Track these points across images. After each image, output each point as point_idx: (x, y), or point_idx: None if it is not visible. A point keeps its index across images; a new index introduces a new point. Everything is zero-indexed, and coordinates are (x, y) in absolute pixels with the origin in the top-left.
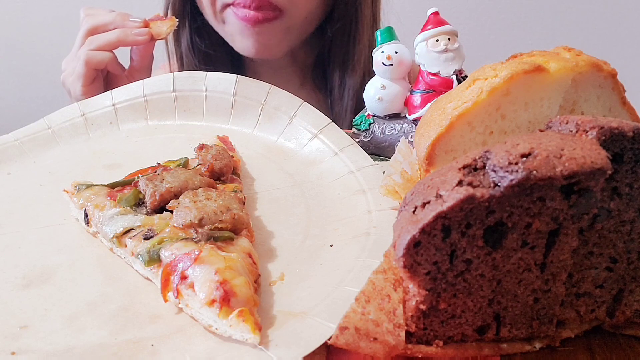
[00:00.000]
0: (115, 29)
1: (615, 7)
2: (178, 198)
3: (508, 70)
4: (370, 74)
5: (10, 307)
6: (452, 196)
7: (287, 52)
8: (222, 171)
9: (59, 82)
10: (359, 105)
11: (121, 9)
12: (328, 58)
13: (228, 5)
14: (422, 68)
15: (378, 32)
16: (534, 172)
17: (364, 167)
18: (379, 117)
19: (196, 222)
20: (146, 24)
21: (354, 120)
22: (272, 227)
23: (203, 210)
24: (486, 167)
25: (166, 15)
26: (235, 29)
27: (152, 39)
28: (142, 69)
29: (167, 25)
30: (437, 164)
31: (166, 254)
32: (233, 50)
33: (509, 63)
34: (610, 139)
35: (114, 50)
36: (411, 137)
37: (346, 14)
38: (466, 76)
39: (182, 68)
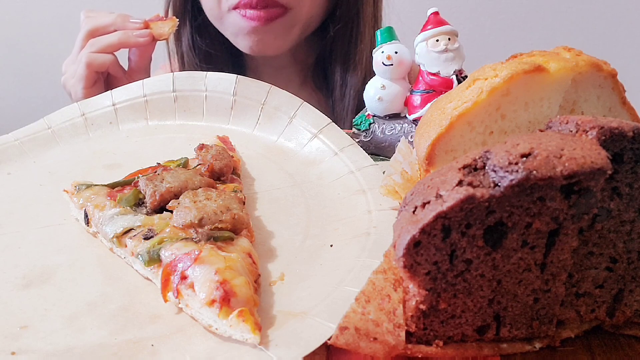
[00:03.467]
0: (115, 30)
1: (615, 7)
2: (178, 198)
3: (508, 70)
4: (372, 73)
5: (10, 307)
6: (452, 196)
7: (288, 49)
8: (222, 171)
9: (59, 83)
10: (360, 105)
11: (121, 9)
12: (329, 58)
13: (234, 8)
14: (422, 68)
15: (378, 32)
16: (534, 172)
17: (364, 167)
18: (379, 117)
19: (196, 222)
20: (146, 25)
21: (354, 120)
22: (272, 227)
23: (203, 210)
24: (486, 167)
25: (166, 15)
26: (240, 30)
27: (154, 40)
28: (141, 70)
29: (169, 26)
30: (437, 164)
31: (166, 254)
32: (234, 49)
33: (509, 63)
34: (610, 139)
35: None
36: (411, 137)
37: (348, 14)
38: (466, 76)
39: (183, 67)
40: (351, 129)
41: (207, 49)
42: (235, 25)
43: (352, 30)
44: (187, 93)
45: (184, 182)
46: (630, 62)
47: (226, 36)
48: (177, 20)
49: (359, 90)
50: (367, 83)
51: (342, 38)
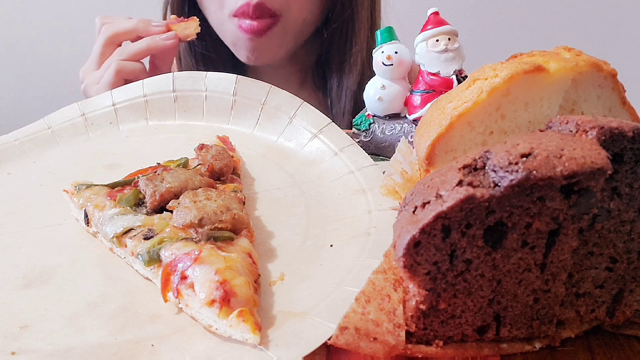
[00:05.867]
0: (137, 35)
1: (615, 7)
2: (178, 198)
3: (508, 70)
4: (369, 75)
5: (10, 307)
6: (452, 196)
7: (285, 56)
8: (222, 171)
9: (59, 83)
10: (357, 106)
11: (120, 9)
12: (326, 59)
13: (233, 15)
14: (422, 68)
15: (378, 32)
16: (534, 172)
17: (364, 167)
18: (379, 117)
19: (196, 222)
20: (168, 28)
21: (354, 120)
22: (272, 227)
23: (203, 210)
24: (486, 167)
25: (165, 17)
26: (237, 39)
27: (179, 42)
28: (164, 72)
29: (194, 26)
30: (437, 164)
31: (166, 254)
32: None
33: (509, 63)
34: (610, 139)
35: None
36: (411, 137)
37: (342, 16)
38: (466, 76)
39: (180, 69)
40: (350, 129)
41: (204, 52)
42: (233, 34)
43: (348, 32)
44: (187, 93)
45: (184, 182)
46: (630, 62)
47: (226, 44)
48: (198, 19)
49: (355, 91)
50: (363, 85)
51: (338, 39)
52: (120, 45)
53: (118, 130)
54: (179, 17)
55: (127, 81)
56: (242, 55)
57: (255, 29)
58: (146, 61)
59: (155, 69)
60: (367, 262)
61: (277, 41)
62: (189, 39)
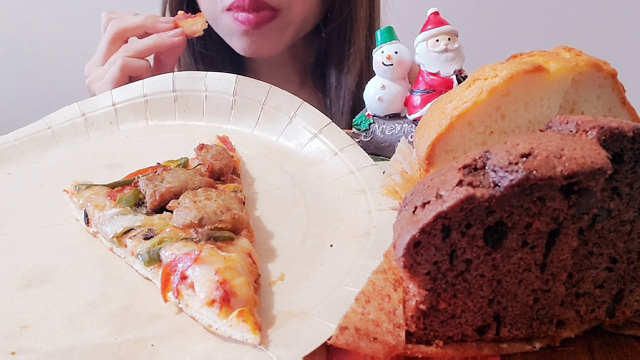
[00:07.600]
0: (145, 32)
1: (615, 7)
2: (178, 198)
3: (508, 70)
4: (368, 75)
5: (10, 307)
6: (452, 196)
7: (283, 50)
8: (222, 171)
9: (59, 82)
10: (355, 106)
11: (120, 8)
12: (325, 59)
13: (227, 9)
14: (422, 68)
15: (378, 32)
16: (534, 172)
17: (364, 167)
18: (379, 117)
19: (196, 222)
20: (176, 25)
21: (354, 120)
22: (272, 227)
23: (203, 210)
24: (486, 167)
25: (164, 14)
26: (233, 31)
27: (186, 38)
28: (168, 69)
29: (201, 23)
30: (437, 164)
31: (166, 254)
32: (232, 49)
33: (509, 63)
34: (610, 139)
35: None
36: (411, 137)
37: (341, 16)
38: (466, 76)
39: (179, 68)
40: (350, 129)
41: (202, 50)
42: (228, 27)
43: (346, 32)
44: (187, 93)
45: (184, 182)
46: (630, 62)
47: (221, 37)
48: (205, 15)
49: (353, 91)
50: (362, 85)
51: (336, 39)
52: (126, 42)
53: (118, 130)
54: (186, 12)
55: (131, 78)
56: (238, 47)
57: (252, 21)
58: (151, 58)
59: (160, 65)
60: (367, 262)
61: (276, 35)
62: (195, 36)
